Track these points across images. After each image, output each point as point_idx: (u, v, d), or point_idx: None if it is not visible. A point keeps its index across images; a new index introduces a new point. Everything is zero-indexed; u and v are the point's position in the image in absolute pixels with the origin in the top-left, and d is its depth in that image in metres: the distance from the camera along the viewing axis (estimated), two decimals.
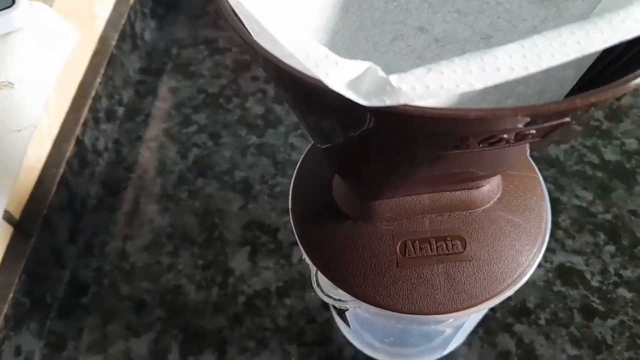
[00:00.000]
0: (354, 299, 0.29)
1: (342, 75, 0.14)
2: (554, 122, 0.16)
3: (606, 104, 0.17)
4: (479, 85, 0.14)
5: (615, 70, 0.20)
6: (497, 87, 0.22)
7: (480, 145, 0.17)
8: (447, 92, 0.14)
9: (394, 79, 0.14)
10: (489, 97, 0.22)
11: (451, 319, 0.31)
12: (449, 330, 0.36)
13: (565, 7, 0.24)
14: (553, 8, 0.24)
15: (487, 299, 0.28)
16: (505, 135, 0.17)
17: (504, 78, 0.14)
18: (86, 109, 0.54)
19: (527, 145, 0.22)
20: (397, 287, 0.28)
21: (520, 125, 0.16)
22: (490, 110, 0.14)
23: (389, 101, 0.14)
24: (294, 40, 0.15)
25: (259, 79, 0.64)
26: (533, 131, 0.17)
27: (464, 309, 0.28)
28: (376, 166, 0.24)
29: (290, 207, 0.33)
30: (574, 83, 0.21)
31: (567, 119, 0.16)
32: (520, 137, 0.17)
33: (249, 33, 0.17)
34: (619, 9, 0.15)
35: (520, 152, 0.23)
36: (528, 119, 0.15)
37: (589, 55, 0.20)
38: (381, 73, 0.14)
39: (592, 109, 0.16)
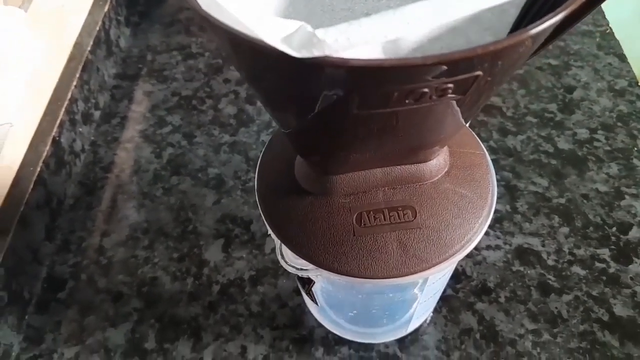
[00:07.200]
0: (315, 267, 0.31)
1: (278, 32, 0.17)
2: (466, 75, 0.19)
3: (515, 58, 0.20)
4: (391, 35, 0.16)
5: None
6: (422, 50, 0.24)
7: (407, 101, 0.20)
8: (365, 43, 0.16)
9: (319, 32, 0.16)
10: None
11: (405, 281, 0.33)
12: (411, 304, 0.38)
13: None
14: None
15: (436, 263, 0.31)
16: (426, 90, 0.19)
17: (413, 29, 0.16)
18: (62, 111, 0.56)
19: (459, 112, 0.24)
20: (354, 254, 0.30)
21: (434, 77, 0.18)
22: (402, 59, 0.16)
23: (316, 52, 0.16)
24: (236, 6, 0.17)
25: (231, 82, 0.66)
26: (450, 85, 0.19)
27: (415, 272, 0.30)
28: (329, 138, 0.26)
29: (255, 187, 0.35)
30: None
31: (479, 72, 0.19)
32: (440, 92, 0.19)
33: (200, 6, 0.19)
34: None
35: (452, 117, 0.25)
36: (441, 69, 0.17)
37: (504, 21, 0.23)
38: (309, 29, 0.16)
39: (500, 62, 0.19)
